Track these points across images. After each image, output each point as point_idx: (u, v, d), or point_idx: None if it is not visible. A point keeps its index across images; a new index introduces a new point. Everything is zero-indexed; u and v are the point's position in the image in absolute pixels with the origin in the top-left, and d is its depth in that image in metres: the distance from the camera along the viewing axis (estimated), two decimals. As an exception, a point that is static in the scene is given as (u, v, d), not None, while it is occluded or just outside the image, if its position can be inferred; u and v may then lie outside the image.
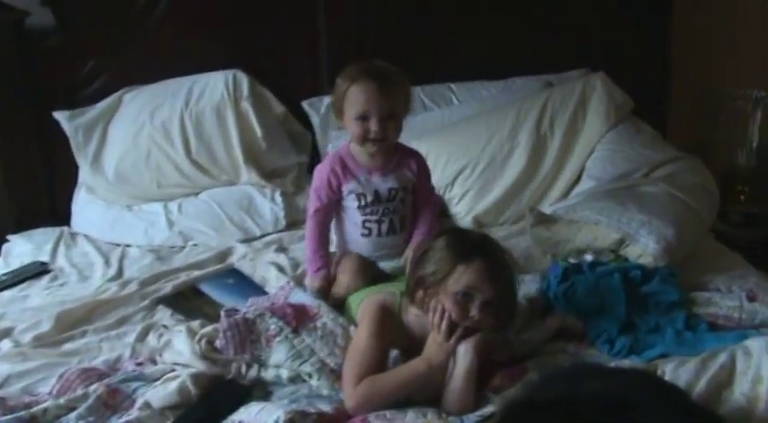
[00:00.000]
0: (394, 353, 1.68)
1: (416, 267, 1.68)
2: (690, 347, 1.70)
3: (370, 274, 2.00)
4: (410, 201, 2.10)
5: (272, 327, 1.78)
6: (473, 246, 1.65)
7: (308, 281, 2.08)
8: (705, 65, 3.19)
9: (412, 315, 1.71)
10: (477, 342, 1.61)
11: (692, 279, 2.04)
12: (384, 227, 2.07)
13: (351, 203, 2.05)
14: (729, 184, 3.16)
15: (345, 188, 2.03)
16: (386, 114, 1.95)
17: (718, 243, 2.37)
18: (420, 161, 2.12)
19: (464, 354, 1.60)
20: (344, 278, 2.00)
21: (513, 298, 1.70)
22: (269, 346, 1.75)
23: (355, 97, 1.93)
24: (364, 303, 1.80)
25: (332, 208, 2.07)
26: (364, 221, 2.06)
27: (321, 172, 2.06)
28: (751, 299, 1.89)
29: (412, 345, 1.69)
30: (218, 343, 1.76)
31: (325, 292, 2.00)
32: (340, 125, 2.06)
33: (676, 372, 1.55)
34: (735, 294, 1.93)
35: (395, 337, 1.71)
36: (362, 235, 2.07)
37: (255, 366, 1.74)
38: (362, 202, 2.04)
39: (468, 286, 1.60)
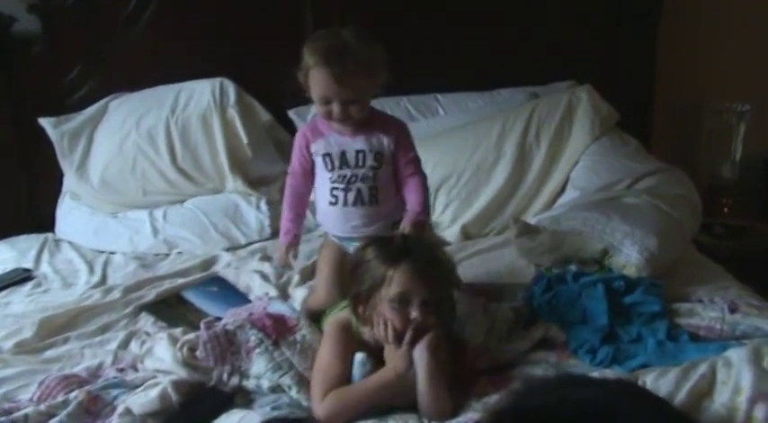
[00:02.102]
0: (359, 356, 1.67)
1: (350, 285, 1.69)
2: (671, 358, 1.71)
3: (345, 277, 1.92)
4: (384, 173, 1.96)
5: (252, 338, 1.77)
6: (397, 250, 1.65)
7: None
8: (689, 78, 3.22)
9: (366, 330, 1.72)
10: (430, 341, 1.61)
11: (675, 290, 2.05)
12: (351, 196, 1.94)
13: (320, 168, 1.96)
14: (713, 197, 3.18)
15: (314, 148, 1.95)
16: (347, 99, 1.87)
17: (701, 255, 2.38)
18: (399, 129, 2.00)
19: (420, 356, 1.61)
20: (321, 292, 1.99)
21: (448, 289, 1.71)
22: (249, 357, 1.75)
23: (316, 81, 1.86)
24: (328, 323, 1.81)
25: (307, 173, 1.99)
26: (332, 189, 1.95)
27: (297, 135, 2.03)
28: (733, 310, 1.91)
29: (375, 354, 1.69)
30: (198, 354, 1.76)
31: (286, 255, 1.99)
32: (307, 93, 1.95)
33: (657, 382, 1.55)
34: (717, 305, 1.94)
35: (356, 350, 1.71)
36: (330, 203, 1.96)
37: (237, 375, 1.74)
38: (329, 165, 1.94)
39: (402, 291, 1.61)
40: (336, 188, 1.94)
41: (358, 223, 1.96)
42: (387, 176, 1.96)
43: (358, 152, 1.93)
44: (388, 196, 1.98)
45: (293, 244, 2.00)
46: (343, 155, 1.93)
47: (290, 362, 1.74)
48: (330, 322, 1.80)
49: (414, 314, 1.61)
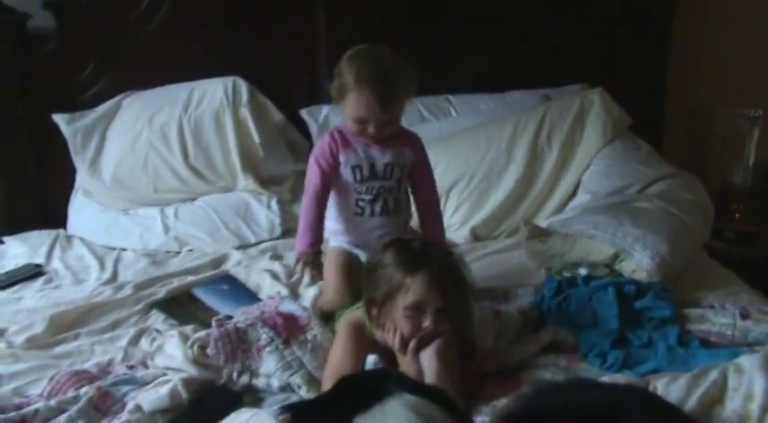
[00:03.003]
0: (371, 358, 1.68)
1: (366, 287, 1.70)
2: (682, 363, 1.70)
3: (356, 280, 1.93)
4: (405, 184, 2.06)
5: (263, 337, 1.78)
6: (416, 257, 1.65)
7: (296, 252, 2.02)
8: (701, 83, 3.21)
9: (379, 332, 1.72)
10: (439, 346, 1.62)
11: (686, 295, 2.05)
12: (378, 207, 2.02)
13: (347, 177, 2.00)
14: (724, 202, 3.17)
15: (343, 158, 1.99)
16: (384, 121, 1.94)
17: (712, 260, 2.37)
18: (419, 141, 2.10)
19: (428, 362, 1.61)
20: (331, 294, 2.00)
21: (464, 299, 1.70)
22: (259, 355, 1.76)
23: (355, 102, 1.91)
24: (341, 322, 1.82)
25: (330, 182, 2.01)
26: (358, 200, 2.01)
27: (321, 142, 2.03)
28: (744, 316, 1.90)
29: (388, 356, 1.70)
30: (209, 351, 1.76)
31: (310, 264, 1.96)
32: (338, 106, 2.01)
33: (668, 387, 1.55)
34: (728, 311, 1.93)
35: (368, 350, 1.71)
36: (355, 214, 2.02)
37: (247, 374, 1.74)
38: (358, 177, 1.99)
39: (416, 300, 1.61)
40: (363, 199, 2.01)
41: (381, 232, 2.01)
42: (406, 187, 2.07)
43: (386, 165, 2.00)
44: (406, 205, 2.07)
45: (315, 254, 1.98)
46: (372, 167, 1.99)
47: (301, 361, 1.75)
48: (343, 322, 1.80)
49: (426, 323, 1.62)
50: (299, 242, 1.99)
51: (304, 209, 2.01)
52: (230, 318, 1.91)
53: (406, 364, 1.64)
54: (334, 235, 2.07)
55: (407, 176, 2.06)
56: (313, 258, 1.97)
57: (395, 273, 1.64)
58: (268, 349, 1.75)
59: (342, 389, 1.28)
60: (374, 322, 1.70)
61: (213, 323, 1.83)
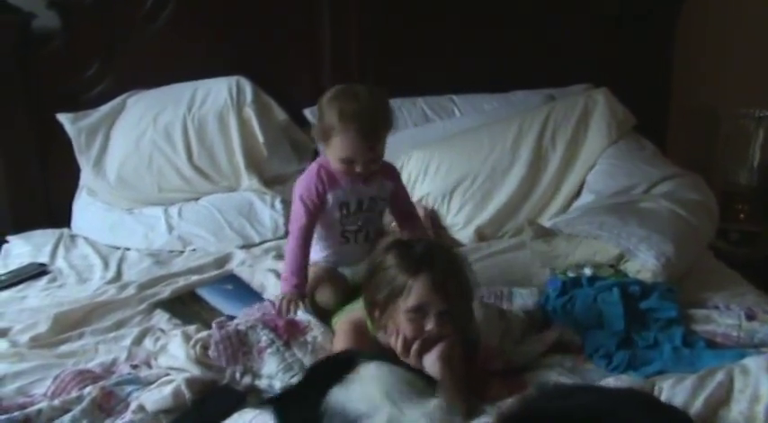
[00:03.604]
0: None
1: (367, 290, 1.69)
2: (687, 364, 1.70)
3: (343, 284, 2.04)
4: (383, 213, 2.16)
5: (264, 338, 1.79)
6: (418, 259, 1.63)
7: (281, 291, 2.02)
8: (706, 83, 3.20)
9: (381, 334, 1.72)
10: (442, 350, 1.61)
11: (691, 296, 2.05)
12: (361, 236, 2.09)
13: (334, 213, 2.04)
14: (729, 203, 3.16)
15: (330, 196, 2.02)
16: (371, 159, 1.97)
17: (718, 261, 2.37)
18: (396, 171, 2.19)
19: (431, 366, 1.60)
20: (325, 291, 2.01)
21: (466, 302, 1.69)
22: (260, 357, 1.76)
23: (342, 143, 1.94)
24: (340, 321, 1.82)
25: (316, 219, 2.04)
26: (344, 231, 2.07)
27: (306, 181, 2.04)
28: (750, 317, 1.89)
29: (389, 356, 1.68)
30: (210, 354, 1.77)
31: (295, 302, 1.95)
32: (319, 144, 2.04)
33: (673, 389, 1.54)
34: (733, 312, 1.93)
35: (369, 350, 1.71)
36: (341, 243, 2.08)
37: (249, 375, 1.74)
38: (345, 212, 2.05)
39: (419, 302, 1.60)
40: (348, 231, 2.07)
41: (362, 257, 2.01)
42: (382, 216, 2.16)
43: (371, 199, 2.07)
44: (382, 231, 2.16)
45: (301, 296, 1.97)
46: (359, 203, 2.05)
47: (302, 363, 1.75)
48: (342, 321, 1.81)
49: (429, 326, 1.61)
50: (285, 283, 2.00)
51: (291, 251, 2.02)
52: (231, 319, 1.92)
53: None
54: (319, 257, 2.11)
55: (386, 204, 2.14)
56: (297, 297, 1.96)
57: (397, 275, 1.63)
58: (269, 351, 1.76)
59: (315, 372, 1.32)
60: (376, 324, 1.69)
61: (214, 325, 1.84)
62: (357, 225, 2.07)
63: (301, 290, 1.97)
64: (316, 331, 1.84)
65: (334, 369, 1.27)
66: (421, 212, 2.44)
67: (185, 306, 2.13)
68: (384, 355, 1.66)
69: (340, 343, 1.74)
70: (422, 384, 1.23)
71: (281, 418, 1.31)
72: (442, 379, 1.57)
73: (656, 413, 1.33)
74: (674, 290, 2.01)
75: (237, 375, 1.73)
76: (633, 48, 3.06)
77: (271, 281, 2.24)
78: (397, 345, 1.63)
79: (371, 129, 1.94)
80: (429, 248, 1.69)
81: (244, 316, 1.94)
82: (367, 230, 2.08)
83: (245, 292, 2.20)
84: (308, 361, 1.75)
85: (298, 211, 2.03)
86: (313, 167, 2.06)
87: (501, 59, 3.01)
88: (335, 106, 1.94)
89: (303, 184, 2.04)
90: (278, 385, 1.71)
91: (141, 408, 1.61)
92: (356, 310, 1.81)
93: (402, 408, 1.16)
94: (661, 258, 2.05)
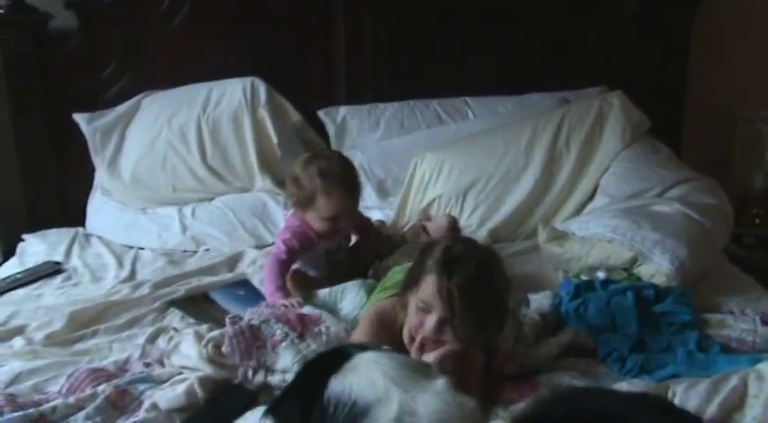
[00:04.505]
0: (384, 349, 1.67)
1: (410, 269, 1.70)
2: (701, 369, 1.69)
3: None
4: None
5: (278, 332, 1.79)
6: (442, 260, 1.60)
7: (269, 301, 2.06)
8: (722, 86, 3.19)
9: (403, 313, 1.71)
10: (439, 356, 1.57)
11: (705, 300, 2.04)
12: (338, 266, 2.22)
13: (318, 255, 2.17)
14: (744, 207, 3.15)
15: (319, 245, 2.14)
16: (354, 211, 2.12)
17: (732, 265, 2.36)
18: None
19: None
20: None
21: (480, 324, 1.61)
22: (275, 351, 1.75)
23: (327, 202, 2.03)
24: (367, 308, 1.82)
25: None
26: (324, 263, 2.20)
27: (300, 227, 2.10)
28: (765, 322, 1.88)
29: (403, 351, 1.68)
30: (224, 349, 1.77)
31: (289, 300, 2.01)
32: (298, 213, 2.11)
33: (687, 393, 1.54)
34: (748, 317, 1.92)
35: (390, 343, 1.70)
36: (318, 270, 2.22)
37: (262, 371, 1.74)
38: (329, 256, 2.19)
39: (424, 300, 1.60)
40: (327, 262, 2.21)
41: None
42: None
43: (347, 238, 2.24)
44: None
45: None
46: (338, 247, 2.21)
47: (317, 353, 1.74)
48: (369, 308, 1.81)
49: (427, 325, 1.59)
50: (273, 298, 2.02)
51: (272, 271, 2.07)
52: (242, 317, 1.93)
53: None
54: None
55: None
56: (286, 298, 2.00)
57: (426, 264, 1.62)
58: (283, 344, 1.76)
59: (309, 367, 1.33)
60: (403, 305, 1.68)
61: (227, 321, 1.83)
62: (337, 258, 2.22)
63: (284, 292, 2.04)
64: (329, 322, 1.84)
65: (330, 362, 1.26)
66: (443, 221, 2.45)
67: (198, 305, 2.14)
68: (400, 350, 1.67)
69: (361, 329, 1.74)
70: (426, 369, 1.24)
71: (275, 417, 1.29)
72: None
73: (669, 417, 1.32)
74: (688, 294, 2.00)
75: (250, 373, 1.73)
76: (649, 50, 3.05)
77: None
78: (405, 332, 1.64)
79: (353, 183, 2.08)
80: (463, 253, 1.62)
81: (252, 313, 1.94)
82: (340, 259, 2.23)
83: (256, 298, 2.18)
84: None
85: (284, 245, 2.10)
86: (302, 223, 2.11)
87: (515, 62, 3.00)
88: (313, 169, 2.04)
89: (297, 235, 2.09)
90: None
91: (154, 406, 1.61)
92: (388, 298, 1.80)
93: (411, 392, 1.16)
94: (675, 262, 2.04)
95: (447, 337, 1.59)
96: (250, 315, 1.90)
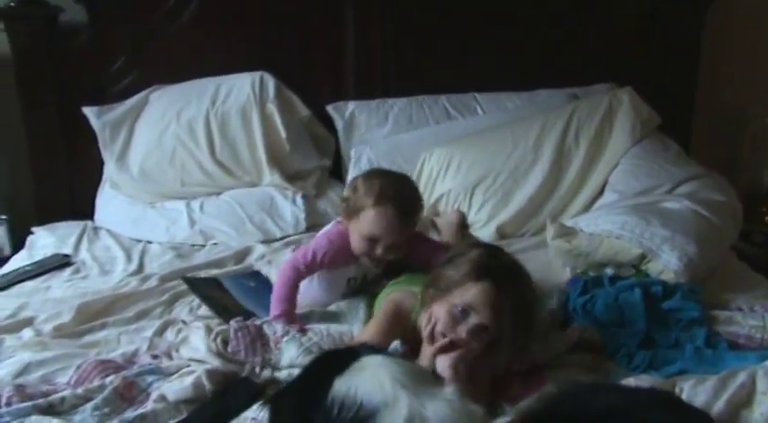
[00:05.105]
0: (395, 343, 1.68)
1: (440, 267, 1.69)
2: (709, 365, 1.68)
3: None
4: None
5: (279, 328, 1.82)
6: (495, 268, 1.62)
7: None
8: (733, 82, 3.17)
9: (422, 314, 1.71)
10: (455, 359, 1.58)
11: (714, 297, 2.03)
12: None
13: (340, 281, 2.06)
14: (754, 205, 3.13)
15: (345, 270, 2.04)
16: (395, 244, 1.95)
17: (741, 262, 2.35)
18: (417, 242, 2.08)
19: (442, 369, 1.59)
20: None
21: (514, 338, 1.62)
22: (278, 348, 1.77)
23: (373, 219, 1.91)
24: (384, 299, 1.82)
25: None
26: (341, 293, 2.08)
27: (339, 237, 2.00)
28: (774, 319, 1.87)
29: (415, 344, 1.69)
30: (230, 347, 1.79)
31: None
32: (341, 220, 2.02)
33: (695, 389, 1.53)
34: (757, 314, 1.91)
35: (404, 336, 1.70)
36: (337, 297, 2.09)
37: (269, 369, 1.75)
38: (351, 283, 2.08)
39: (467, 303, 1.59)
40: (345, 289, 2.08)
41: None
42: None
43: (376, 275, 2.06)
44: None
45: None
46: (365, 276, 2.07)
47: (320, 346, 1.76)
48: (387, 299, 1.81)
49: (461, 329, 1.59)
50: (272, 310, 1.97)
51: (282, 290, 1.98)
52: (249, 316, 1.96)
53: (425, 358, 1.62)
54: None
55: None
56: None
57: (469, 269, 1.61)
58: (285, 338, 1.78)
59: (315, 365, 1.31)
60: (425, 302, 1.68)
61: (231, 323, 1.86)
62: (356, 287, 2.09)
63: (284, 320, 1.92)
64: (327, 323, 1.86)
65: (337, 361, 1.24)
66: (453, 217, 2.45)
67: (211, 289, 2.15)
68: (412, 343, 1.67)
69: (376, 320, 1.74)
70: (433, 377, 1.22)
71: (275, 414, 1.28)
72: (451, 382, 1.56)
73: (677, 413, 1.31)
74: (697, 291, 1.99)
75: (257, 369, 1.74)
76: (659, 47, 3.03)
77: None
78: (426, 329, 1.62)
79: (407, 209, 1.94)
80: (513, 266, 1.67)
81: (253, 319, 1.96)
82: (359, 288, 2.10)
83: (266, 290, 2.18)
84: (325, 343, 1.77)
85: (308, 255, 1.99)
86: (337, 237, 2.02)
87: (524, 58, 3.00)
88: (374, 183, 1.93)
89: (326, 243, 2.00)
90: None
91: (162, 397, 1.62)
92: (408, 292, 1.81)
93: (420, 398, 1.13)
94: (684, 259, 2.03)
95: (479, 343, 1.60)
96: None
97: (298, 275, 1.99)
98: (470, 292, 1.59)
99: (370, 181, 1.95)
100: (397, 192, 1.93)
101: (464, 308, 1.60)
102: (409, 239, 2.02)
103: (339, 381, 1.17)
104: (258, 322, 1.85)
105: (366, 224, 1.92)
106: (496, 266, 1.63)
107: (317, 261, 1.99)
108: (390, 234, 1.92)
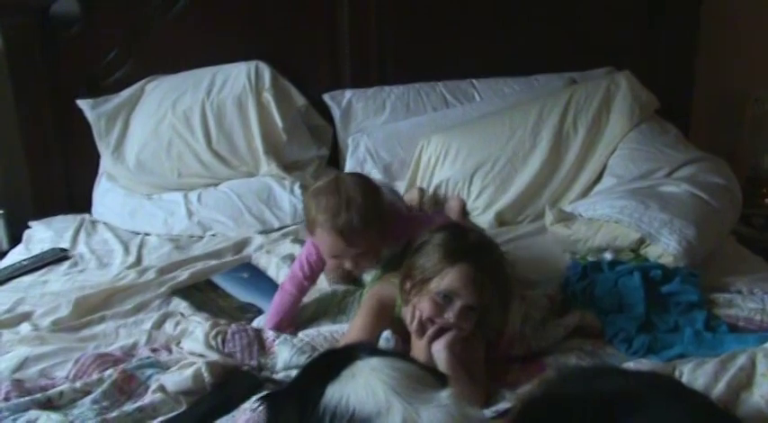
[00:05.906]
0: (385, 333, 1.68)
1: (410, 259, 1.68)
2: (709, 348, 1.68)
3: None
4: None
5: (271, 334, 1.83)
6: (465, 248, 1.62)
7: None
8: (732, 66, 3.15)
9: (405, 309, 1.71)
10: (450, 340, 1.59)
11: (713, 280, 2.03)
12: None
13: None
14: (753, 188, 3.12)
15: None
16: (357, 254, 1.88)
17: (741, 246, 2.34)
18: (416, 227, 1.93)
19: (439, 353, 1.60)
20: None
21: (500, 307, 1.65)
22: (272, 352, 1.78)
23: (323, 241, 1.87)
24: (367, 293, 1.82)
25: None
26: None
27: (317, 246, 1.95)
28: (773, 302, 1.87)
29: (405, 335, 1.70)
30: (227, 348, 1.79)
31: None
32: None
33: (695, 372, 1.53)
34: (757, 297, 1.91)
35: (391, 326, 1.71)
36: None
37: (267, 370, 1.76)
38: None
39: (449, 289, 1.59)
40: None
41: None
42: None
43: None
44: None
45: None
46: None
47: (312, 346, 1.77)
48: (371, 294, 1.81)
49: (449, 314, 1.60)
50: (269, 321, 1.95)
51: (282, 298, 1.96)
52: (247, 308, 1.99)
53: (417, 349, 1.63)
54: None
55: None
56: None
57: (440, 255, 1.61)
58: (277, 341, 1.78)
59: (311, 368, 1.30)
60: (404, 296, 1.68)
61: (231, 326, 1.86)
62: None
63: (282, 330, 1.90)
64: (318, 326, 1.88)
65: (331, 365, 1.21)
66: (455, 204, 2.43)
67: (202, 293, 2.14)
68: (402, 334, 1.67)
69: (361, 314, 1.74)
70: (430, 378, 1.19)
71: (272, 418, 1.27)
72: (449, 368, 1.56)
73: (677, 396, 1.31)
74: (696, 274, 1.98)
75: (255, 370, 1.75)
76: (657, 30, 3.01)
77: (285, 271, 2.21)
78: (413, 323, 1.63)
79: (350, 229, 1.80)
80: (481, 241, 1.67)
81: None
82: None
83: (260, 280, 2.19)
84: (318, 343, 1.78)
85: (303, 266, 1.98)
86: (309, 245, 2.00)
87: (522, 43, 2.98)
88: (317, 200, 1.86)
89: (313, 250, 1.96)
90: (295, 373, 1.72)
91: (162, 388, 1.62)
92: (389, 283, 1.80)
93: (414, 404, 1.10)
94: (683, 242, 2.03)
95: (468, 323, 1.61)
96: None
97: (301, 291, 1.99)
98: (449, 278, 1.59)
99: (316, 199, 1.86)
100: (336, 209, 1.81)
101: (446, 293, 1.60)
102: (393, 228, 1.93)
103: (331, 388, 1.15)
104: (255, 325, 1.86)
105: (323, 246, 1.89)
106: (466, 246, 1.63)
107: (313, 269, 1.98)
108: (349, 251, 1.86)
